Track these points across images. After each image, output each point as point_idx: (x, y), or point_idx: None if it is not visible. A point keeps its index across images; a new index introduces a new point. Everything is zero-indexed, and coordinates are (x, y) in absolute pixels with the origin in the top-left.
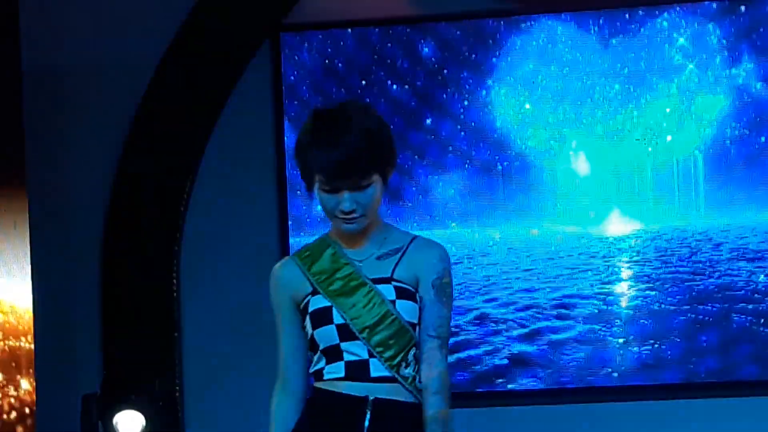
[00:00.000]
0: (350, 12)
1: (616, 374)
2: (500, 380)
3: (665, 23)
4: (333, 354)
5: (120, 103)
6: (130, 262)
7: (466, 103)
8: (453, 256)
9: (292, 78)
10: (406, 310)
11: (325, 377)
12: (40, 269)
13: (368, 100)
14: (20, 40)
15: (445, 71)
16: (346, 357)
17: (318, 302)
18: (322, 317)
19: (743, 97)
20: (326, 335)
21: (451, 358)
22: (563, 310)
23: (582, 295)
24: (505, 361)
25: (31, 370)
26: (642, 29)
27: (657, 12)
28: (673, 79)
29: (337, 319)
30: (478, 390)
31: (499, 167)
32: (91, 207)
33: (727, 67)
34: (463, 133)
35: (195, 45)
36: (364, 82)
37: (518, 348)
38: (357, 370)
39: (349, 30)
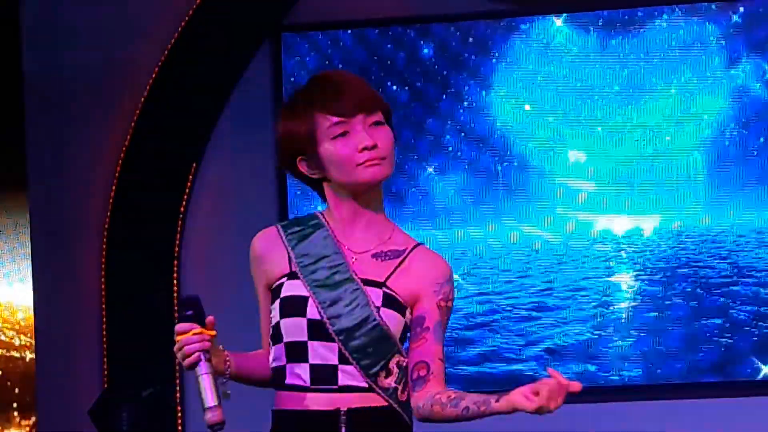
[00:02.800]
0: (350, 12)
1: (616, 374)
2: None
3: (664, 24)
4: (298, 352)
5: (120, 105)
6: (131, 263)
7: (465, 104)
8: (452, 257)
9: (293, 78)
10: (390, 320)
11: (287, 381)
12: (40, 271)
13: None
14: (21, 42)
15: (445, 72)
16: (312, 359)
17: (293, 288)
18: (294, 307)
19: (742, 98)
20: (294, 328)
21: (451, 356)
22: (562, 311)
23: (582, 295)
24: (510, 359)
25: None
26: (641, 30)
27: (656, 13)
28: (672, 79)
29: (312, 313)
30: (481, 389)
31: (499, 168)
32: (92, 209)
33: (726, 68)
34: (462, 134)
35: (195, 45)
36: None
37: (518, 348)
38: (324, 377)
39: (349, 30)
